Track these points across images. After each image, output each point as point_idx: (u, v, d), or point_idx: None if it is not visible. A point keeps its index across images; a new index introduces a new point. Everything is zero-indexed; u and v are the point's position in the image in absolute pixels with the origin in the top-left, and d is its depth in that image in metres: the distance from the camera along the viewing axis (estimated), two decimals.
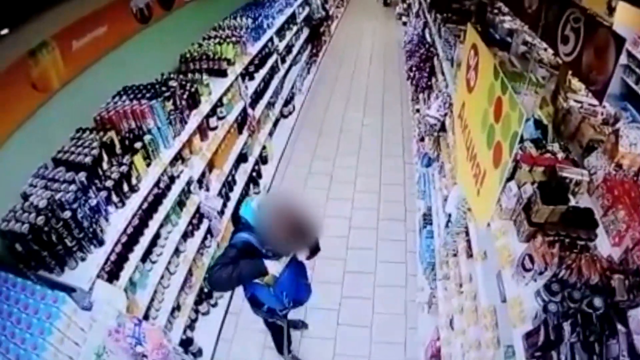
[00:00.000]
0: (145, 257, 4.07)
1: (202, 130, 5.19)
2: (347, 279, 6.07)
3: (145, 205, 3.97)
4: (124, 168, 3.65)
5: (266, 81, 7.81)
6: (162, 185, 4.23)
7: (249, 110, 6.69)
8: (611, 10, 2.89)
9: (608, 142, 3.35)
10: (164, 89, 4.43)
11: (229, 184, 6.12)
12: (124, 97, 4.25)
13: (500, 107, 3.00)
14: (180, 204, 4.66)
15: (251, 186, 7.10)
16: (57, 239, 3.01)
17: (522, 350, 2.49)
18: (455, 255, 4.56)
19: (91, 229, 3.26)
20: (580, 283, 2.48)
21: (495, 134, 3.05)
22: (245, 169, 6.77)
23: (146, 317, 3.95)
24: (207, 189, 5.27)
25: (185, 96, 4.66)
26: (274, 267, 3.52)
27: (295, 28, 10.04)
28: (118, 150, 3.82)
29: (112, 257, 3.52)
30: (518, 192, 3.10)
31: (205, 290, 5.28)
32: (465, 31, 4.56)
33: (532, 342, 2.42)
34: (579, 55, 2.87)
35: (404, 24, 15.87)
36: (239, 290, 5.66)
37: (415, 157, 8.27)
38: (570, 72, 3.98)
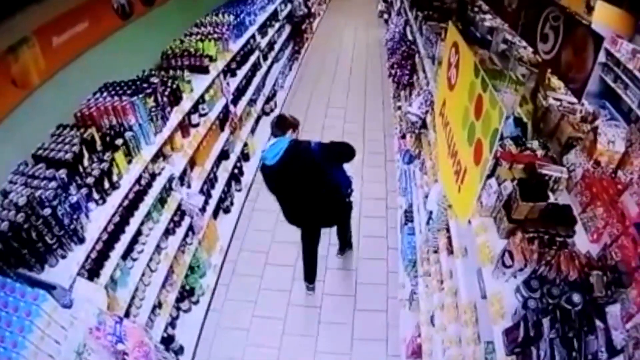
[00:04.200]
0: (126, 255, 4.04)
1: (184, 127, 5.17)
2: (328, 276, 6.09)
3: (126, 203, 3.94)
4: (105, 165, 3.63)
5: (248, 78, 7.80)
6: (143, 182, 4.21)
7: (231, 107, 6.67)
8: (590, 8, 2.92)
9: (586, 140, 3.39)
10: (145, 85, 4.41)
11: (210, 181, 6.11)
12: (105, 94, 4.22)
13: (481, 105, 3.02)
14: (162, 201, 4.64)
15: (233, 183, 7.09)
16: (37, 237, 2.98)
17: (502, 346, 2.51)
18: (436, 252, 4.59)
19: (72, 227, 3.23)
20: (559, 279, 2.51)
21: (476, 131, 3.07)
22: (227, 166, 6.75)
23: (127, 314, 3.92)
24: (189, 186, 5.25)
25: (166, 93, 4.64)
26: None
27: (277, 25, 10.03)
28: (99, 147, 3.79)
29: (93, 255, 3.49)
30: (498, 189, 3.13)
31: (187, 287, 5.26)
32: (446, 29, 4.59)
33: (512, 338, 2.44)
34: (558, 54, 2.91)
35: (386, 21, 15.90)
36: (221, 288, 5.67)
37: (396, 154, 8.29)
38: (549, 70, 4.02)
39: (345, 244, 6.24)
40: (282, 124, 4.70)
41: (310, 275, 5.78)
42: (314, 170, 4.60)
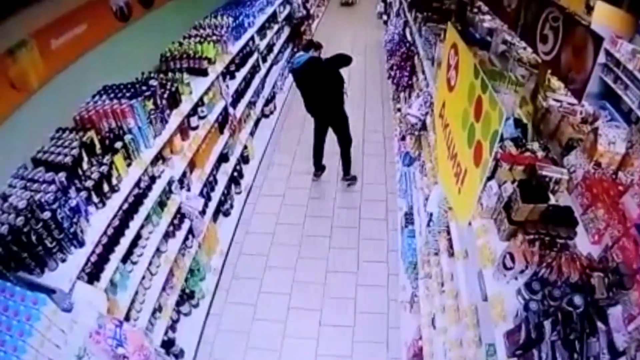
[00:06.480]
0: (126, 258, 4.02)
1: (183, 129, 5.17)
2: (329, 278, 6.08)
3: (125, 206, 3.94)
4: (104, 168, 3.62)
5: (247, 80, 7.81)
6: (142, 185, 4.20)
7: (230, 110, 6.68)
8: (589, 9, 2.92)
9: (587, 141, 3.38)
10: (144, 88, 4.41)
11: (210, 184, 6.10)
12: (104, 97, 4.22)
13: (481, 106, 3.01)
14: (161, 204, 4.63)
15: (232, 186, 7.08)
16: (37, 240, 2.97)
17: (503, 348, 2.50)
18: (436, 254, 4.58)
19: (71, 230, 3.22)
20: (560, 281, 2.50)
21: (476, 132, 3.06)
22: (227, 168, 6.75)
23: (127, 318, 3.91)
24: (188, 189, 5.24)
25: (165, 95, 4.64)
26: None
27: (276, 27, 10.05)
28: (98, 150, 3.79)
29: (93, 258, 3.48)
30: (498, 190, 3.12)
31: (187, 291, 5.25)
32: (446, 30, 4.59)
33: (513, 341, 2.43)
34: (557, 54, 2.90)
35: (385, 23, 15.88)
36: (221, 292, 5.66)
37: (396, 156, 8.28)
38: (549, 71, 4.01)
39: (348, 165, 7.87)
40: (308, 45, 7.11)
41: (317, 162, 7.92)
42: (324, 74, 6.83)
